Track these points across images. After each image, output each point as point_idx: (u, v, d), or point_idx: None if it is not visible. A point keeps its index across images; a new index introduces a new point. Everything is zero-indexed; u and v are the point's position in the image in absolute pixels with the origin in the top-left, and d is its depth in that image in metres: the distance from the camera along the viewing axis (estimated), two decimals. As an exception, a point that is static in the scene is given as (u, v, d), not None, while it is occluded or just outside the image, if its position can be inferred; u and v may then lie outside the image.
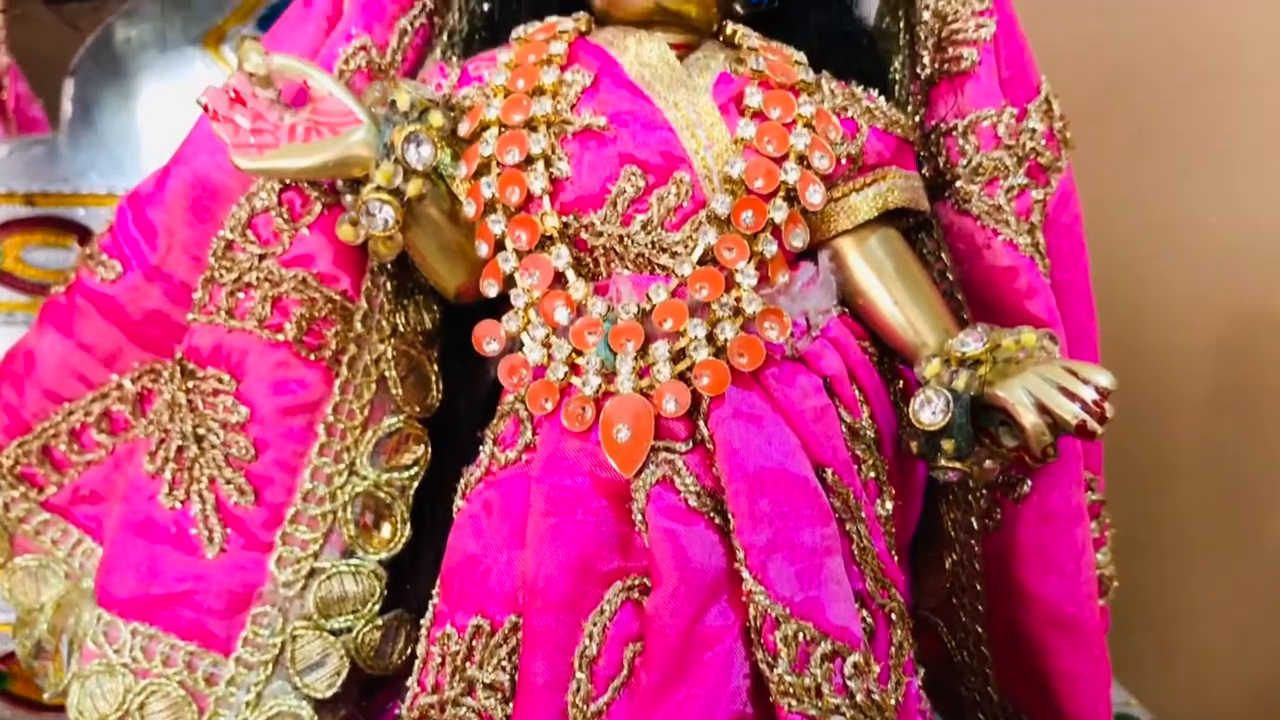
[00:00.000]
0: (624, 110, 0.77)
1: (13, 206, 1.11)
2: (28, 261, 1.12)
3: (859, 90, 0.82)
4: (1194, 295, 1.25)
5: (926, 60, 0.86)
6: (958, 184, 0.85)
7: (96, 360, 0.88)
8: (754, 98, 0.77)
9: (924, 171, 0.86)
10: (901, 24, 0.87)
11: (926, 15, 0.85)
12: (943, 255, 0.86)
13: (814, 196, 0.76)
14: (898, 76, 0.88)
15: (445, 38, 0.87)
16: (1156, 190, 1.24)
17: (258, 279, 0.81)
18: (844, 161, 0.79)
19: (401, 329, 0.83)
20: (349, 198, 0.79)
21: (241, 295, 0.82)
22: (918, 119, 0.87)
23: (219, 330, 0.82)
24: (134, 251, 0.86)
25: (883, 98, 0.83)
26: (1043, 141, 0.87)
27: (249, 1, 1.12)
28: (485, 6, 0.87)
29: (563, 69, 0.78)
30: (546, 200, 0.76)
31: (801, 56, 0.80)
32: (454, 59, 0.83)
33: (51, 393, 0.88)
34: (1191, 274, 1.25)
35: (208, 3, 1.11)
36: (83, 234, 1.11)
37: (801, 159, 0.76)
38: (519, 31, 0.81)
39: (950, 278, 0.86)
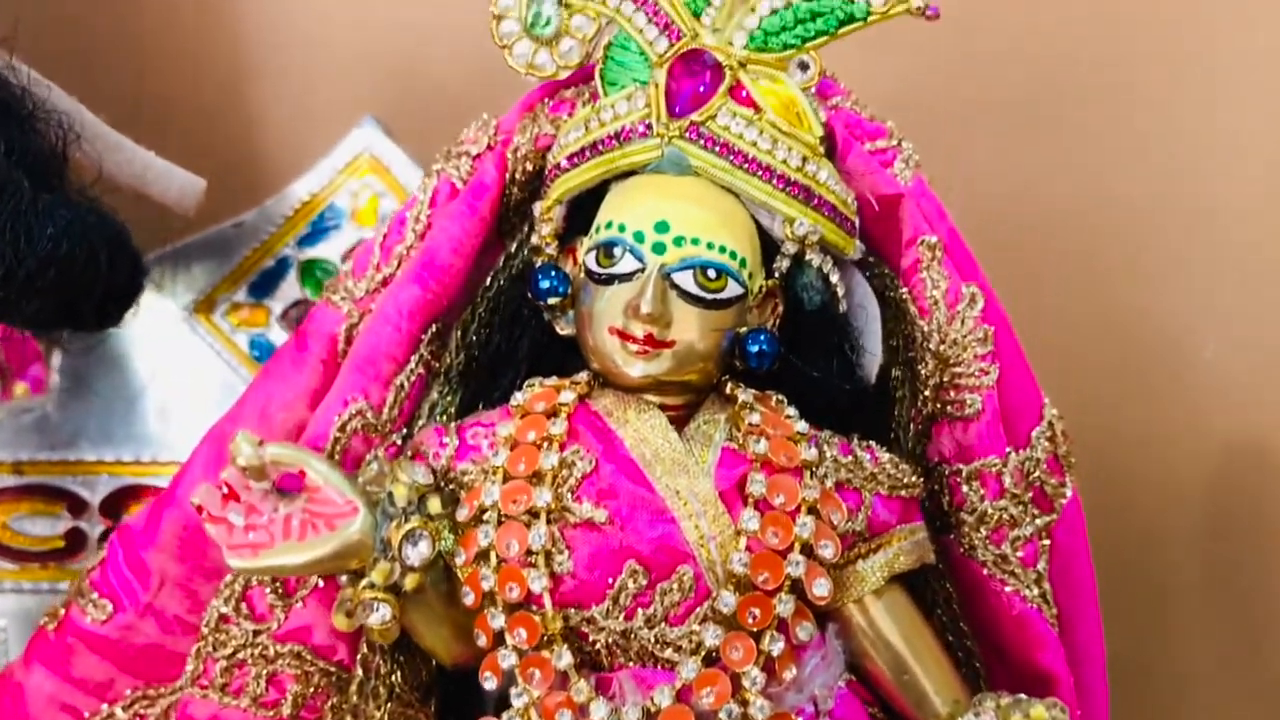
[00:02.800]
0: (625, 503, 0.76)
1: (1, 475, 1.10)
2: (16, 530, 1.10)
3: (860, 450, 0.81)
4: (1190, 425, 1.24)
5: (928, 396, 0.85)
6: (964, 529, 0.84)
7: (87, 693, 0.87)
8: (757, 485, 0.76)
9: (927, 505, 0.85)
10: (900, 360, 0.86)
11: (928, 357, 0.84)
12: (948, 586, 0.86)
13: (820, 589, 0.75)
14: (899, 394, 0.87)
15: (443, 375, 0.86)
16: (1153, 320, 1.24)
17: (252, 656, 0.80)
18: (848, 538, 0.78)
19: (398, 689, 0.82)
20: (344, 578, 0.77)
21: (236, 671, 0.81)
22: (919, 450, 0.86)
23: (213, 704, 0.81)
24: (126, 591, 0.86)
25: (886, 452, 0.82)
26: (1046, 469, 0.86)
27: (239, 269, 1.11)
28: (485, 333, 0.86)
29: (563, 446, 0.77)
30: (547, 598, 0.74)
31: (803, 425, 0.79)
32: (451, 426, 0.81)
33: (40, 726, 0.87)
34: (1188, 404, 1.25)
35: (197, 270, 1.10)
36: (73, 502, 1.10)
37: (806, 549, 0.75)
38: (519, 399, 0.80)
39: (956, 609, 0.85)
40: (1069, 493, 0.87)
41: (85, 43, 1.19)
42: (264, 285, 1.10)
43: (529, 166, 0.85)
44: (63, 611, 0.87)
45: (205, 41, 1.23)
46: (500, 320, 0.85)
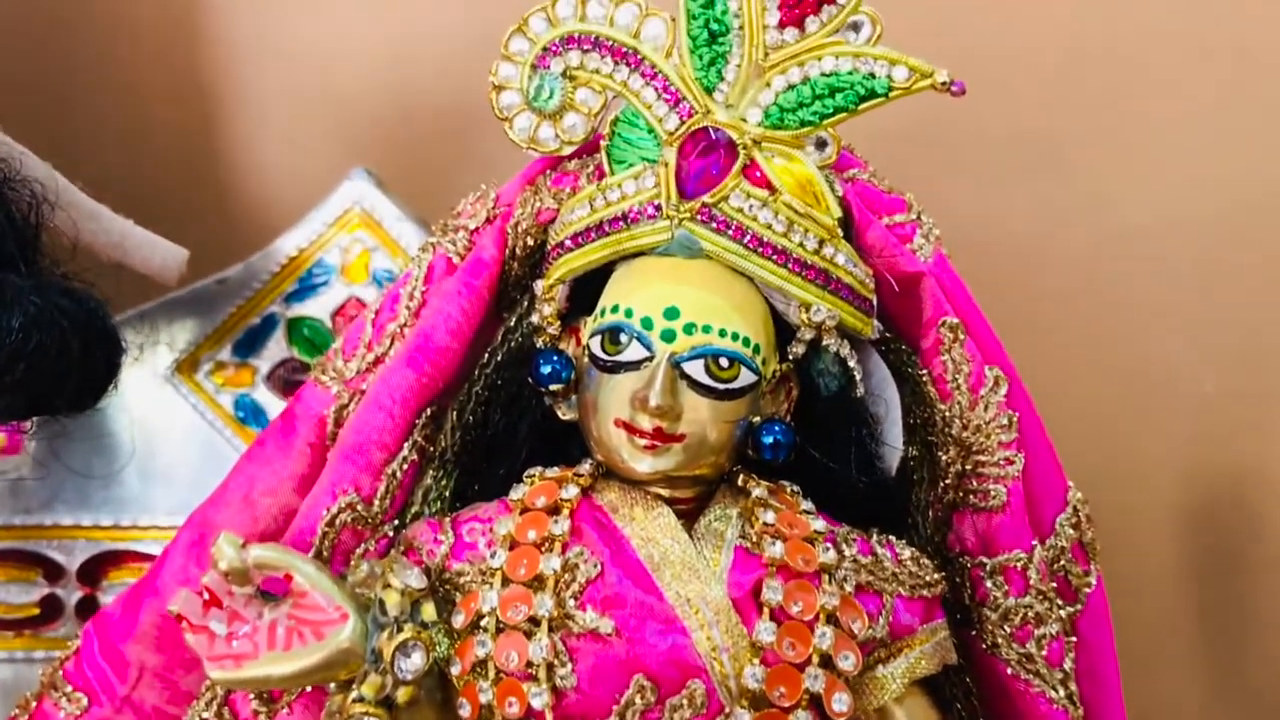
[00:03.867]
0: (633, 612, 0.71)
1: (-26, 540, 1.05)
2: (-9, 596, 1.06)
3: (880, 547, 0.77)
4: (1192, 459, 1.23)
5: (949, 484, 0.81)
6: (987, 625, 0.81)
7: (58, 786, 0.82)
8: (773, 593, 0.72)
9: (947, 596, 0.81)
10: (919, 440, 0.82)
11: (949, 444, 0.80)
12: (967, 680, 0.82)
13: (840, 705, 0.71)
14: (916, 475, 0.83)
15: (438, 459, 0.81)
16: (1153, 355, 1.23)
17: (236, 764, 0.76)
18: (869, 645, 0.74)
19: (391, 798, 0.77)
20: (333, 686, 0.73)
21: (218, 778, 0.76)
22: (939, 538, 0.82)
23: (193, 813, 0.77)
24: (102, 684, 0.82)
25: (907, 548, 0.78)
26: (1071, 557, 0.82)
27: (223, 327, 1.07)
28: (483, 413, 0.81)
29: (565, 547, 0.73)
30: (549, 714, 0.70)
31: (820, 524, 0.75)
32: (446, 520, 0.77)
33: (8, 821, 0.83)
34: (1178, 438, 1.23)
35: (179, 328, 1.06)
36: (49, 568, 1.06)
37: (825, 660, 0.71)
38: (518, 493, 0.76)
39: (976, 704, 0.82)
40: (1094, 581, 0.84)
41: (68, 89, 1.15)
42: (249, 344, 1.06)
43: (530, 241, 0.80)
44: (34, 704, 0.83)
45: (188, 82, 1.19)
46: (499, 401, 0.81)
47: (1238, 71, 1.18)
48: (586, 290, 0.78)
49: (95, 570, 1.05)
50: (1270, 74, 1.18)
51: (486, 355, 0.82)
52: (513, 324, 0.82)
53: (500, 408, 0.81)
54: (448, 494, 0.82)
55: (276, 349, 1.06)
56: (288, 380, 1.05)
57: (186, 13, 1.18)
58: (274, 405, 1.05)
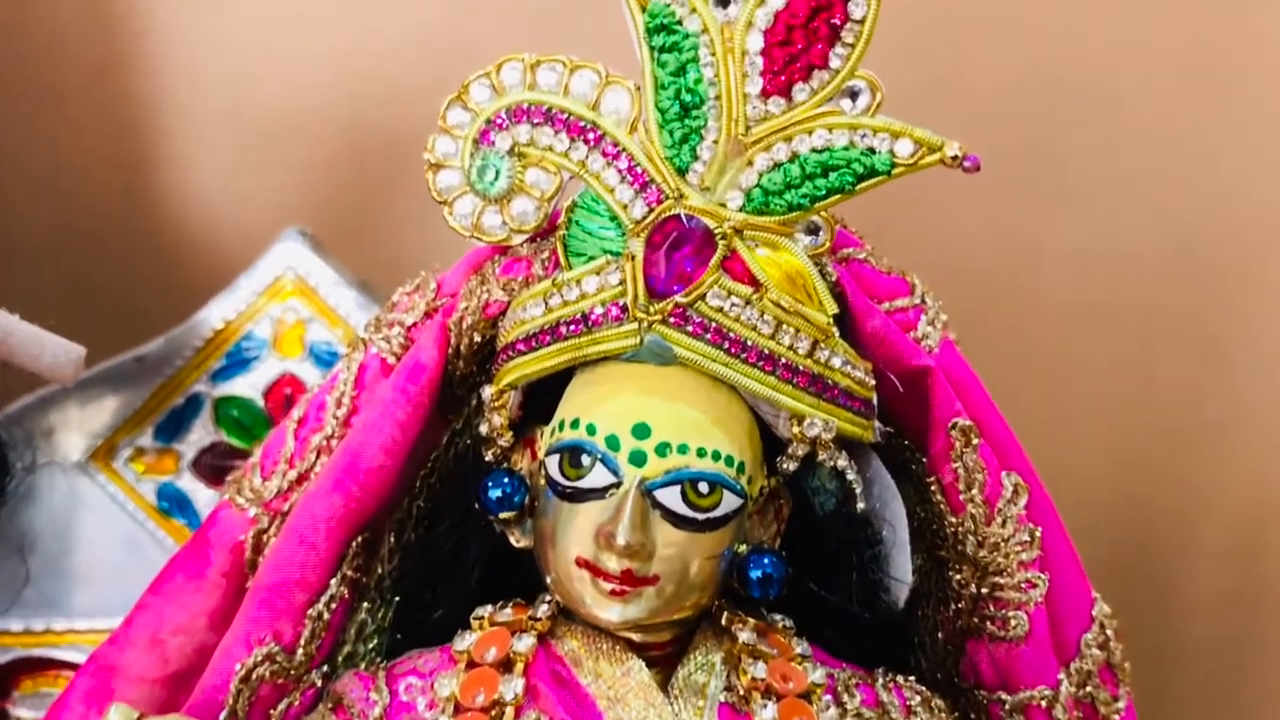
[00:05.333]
0: (598, 796, 0.61)
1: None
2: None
3: (886, 691, 0.68)
4: (1204, 492, 1.19)
5: (963, 608, 0.71)
6: None
7: None
8: (766, 770, 0.62)
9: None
10: (924, 548, 0.73)
11: (962, 564, 0.70)
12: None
13: None
14: (923, 588, 0.74)
15: (373, 588, 0.71)
16: (1165, 388, 1.18)
17: None
18: (876, 811, 0.64)
19: None
20: None
21: None
22: (951, 664, 0.72)
23: None
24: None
25: (917, 690, 0.69)
26: (1098, 682, 0.73)
27: (143, 409, 0.97)
28: (425, 529, 0.71)
29: (519, 712, 0.63)
30: None
31: (819, 674, 0.65)
32: (380, 674, 0.67)
33: None
34: (1202, 472, 1.19)
35: (94, 411, 0.97)
36: (-43, 670, 0.96)
37: None
38: (464, 643, 0.65)
39: None
40: (1123, 708, 0.74)
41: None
42: (172, 427, 0.97)
43: (476, 338, 0.70)
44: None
45: (121, 113, 1.10)
46: (443, 517, 0.71)
47: (1237, 79, 1.14)
48: (544, 395, 0.68)
49: (6, 680, 0.96)
50: (1269, 79, 1.14)
51: (429, 464, 0.72)
52: (459, 427, 0.72)
53: (445, 525, 0.71)
54: (385, 624, 0.73)
55: (203, 432, 0.96)
56: (215, 466, 0.97)
57: (117, 37, 1.10)
58: (200, 494, 0.97)
